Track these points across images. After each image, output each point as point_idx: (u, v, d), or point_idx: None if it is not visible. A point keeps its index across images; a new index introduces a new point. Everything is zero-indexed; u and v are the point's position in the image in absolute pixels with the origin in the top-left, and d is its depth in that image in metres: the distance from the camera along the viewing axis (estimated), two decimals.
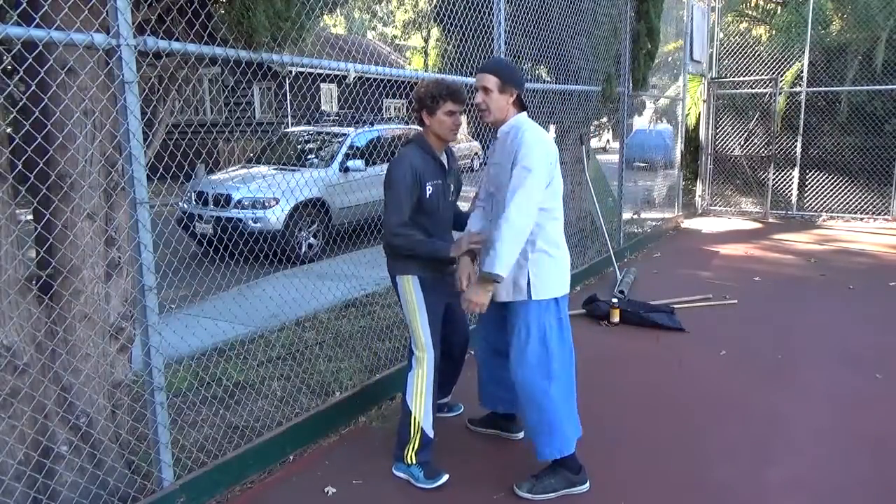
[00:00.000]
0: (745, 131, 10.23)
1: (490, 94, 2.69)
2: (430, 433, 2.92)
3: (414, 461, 2.90)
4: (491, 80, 2.68)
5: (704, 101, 10.41)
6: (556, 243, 2.72)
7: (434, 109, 2.80)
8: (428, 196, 2.83)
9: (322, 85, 17.71)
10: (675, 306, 5.30)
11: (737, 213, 10.43)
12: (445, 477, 2.88)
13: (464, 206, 3.23)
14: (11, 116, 2.41)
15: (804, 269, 6.77)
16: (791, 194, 9.99)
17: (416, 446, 2.89)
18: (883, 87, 9.12)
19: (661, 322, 4.93)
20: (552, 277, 2.70)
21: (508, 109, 2.73)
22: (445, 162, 2.95)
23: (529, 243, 2.65)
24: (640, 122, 12.74)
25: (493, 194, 2.80)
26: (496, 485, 2.86)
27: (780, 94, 9.81)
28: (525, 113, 2.77)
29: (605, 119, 8.00)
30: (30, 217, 2.51)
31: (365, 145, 8.68)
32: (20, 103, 2.34)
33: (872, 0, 9.10)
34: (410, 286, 2.88)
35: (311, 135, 9.26)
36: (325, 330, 4.75)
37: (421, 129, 2.94)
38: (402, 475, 2.94)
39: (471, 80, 4.32)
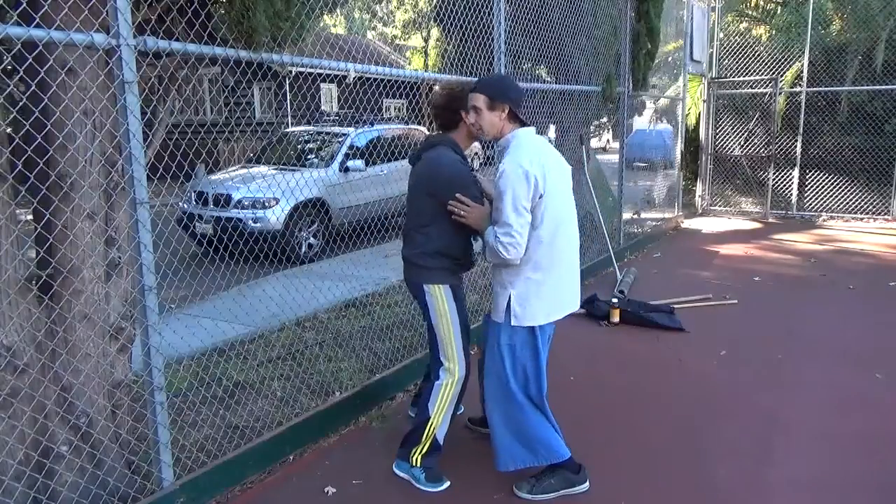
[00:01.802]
0: (745, 131, 10.22)
1: (480, 113, 2.65)
2: (441, 442, 2.91)
3: (419, 464, 2.90)
4: (479, 99, 2.64)
5: (704, 101, 10.40)
6: (544, 268, 2.61)
7: (464, 108, 2.78)
8: None
9: (322, 85, 17.71)
10: (675, 306, 5.30)
11: (737, 213, 10.43)
12: (447, 483, 2.89)
13: None
14: (11, 116, 2.41)
15: (804, 269, 6.77)
16: (791, 194, 9.99)
17: (424, 450, 2.89)
18: (883, 87, 9.12)
19: (661, 322, 4.93)
20: (534, 306, 2.63)
21: (503, 126, 2.66)
22: None
23: (514, 269, 2.61)
24: (640, 122, 12.74)
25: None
26: (496, 485, 2.86)
27: (780, 94, 9.80)
28: (525, 129, 2.66)
29: (605, 119, 8.01)
30: (30, 217, 2.50)
31: (365, 145, 8.68)
32: (20, 103, 2.34)
33: (872, 0, 9.10)
34: (443, 295, 2.83)
35: (311, 135, 9.25)
36: (325, 330, 4.74)
37: (438, 132, 2.92)
38: (403, 474, 2.94)
39: (472, 79, 4.33)
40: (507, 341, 2.68)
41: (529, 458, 2.75)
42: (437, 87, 2.96)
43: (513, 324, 2.64)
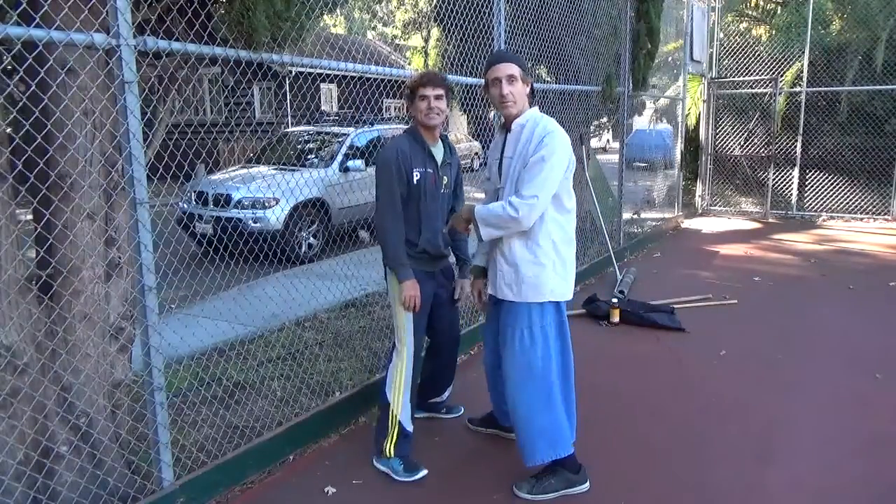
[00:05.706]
0: (745, 131, 10.22)
1: (515, 84, 2.60)
2: (409, 427, 2.95)
3: (392, 454, 2.94)
4: (517, 70, 2.61)
5: (704, 101, 10.40)
6: (570, 241, 2.68)
7: (412, 97, 2.87)
8: (415, 182, 2.85)
9: (322, 85, 17.71)
10: (675, 306, 5.30)
11: (737, 213, 10.43)
12: (424, 472, 2.92)
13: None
14: (11, 116, 2.41)
15: (804, 269, 6.77)
16: (791, 194, 9.99)
17: (394, 439, 2.93)
18: (883, 87, 9.11)
19: (661, 322, 4.93)
20: (558, 280, 2.65)
21: (526, 101, 2.67)
22: (440, 155, 2.97)
23: (540, 243, 2.60)
24: (640, 122, 12.73)
25: (501, 189, 2.73)
26: (496, 485, 2.86)
27: (780, 94, 9.80)
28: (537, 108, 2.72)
29: (605, 119, 8.00)
30: (30, 217, 2.50)
31: (365, 145, 8.68)
32: (20, 103, 2.34)
33: (872, 0, 9.09)
34: (395, 278, 2.92)
35: (311, 135, 9.25)
36: (325, 330, 4.74)
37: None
38: (382, 468, 2.98)
39: (470, 80, 4.33)
40: (540, 322, 2.65)
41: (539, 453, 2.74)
42: None
43: (549, 299, 2.63)
